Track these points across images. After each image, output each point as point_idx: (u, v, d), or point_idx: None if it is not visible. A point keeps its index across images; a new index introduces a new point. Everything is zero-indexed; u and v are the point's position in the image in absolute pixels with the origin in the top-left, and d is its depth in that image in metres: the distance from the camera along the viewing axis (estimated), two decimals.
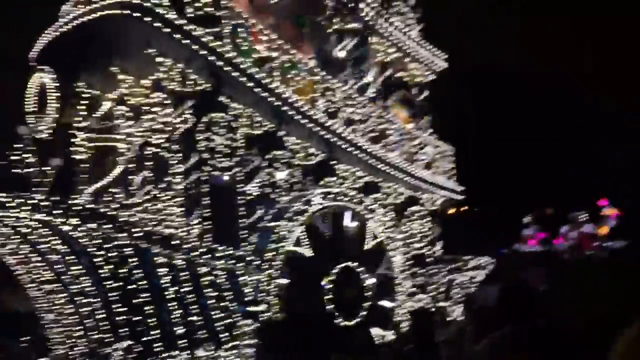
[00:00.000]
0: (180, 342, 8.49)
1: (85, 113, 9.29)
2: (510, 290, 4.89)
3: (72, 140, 9.09)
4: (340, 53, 12.03)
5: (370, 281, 10.80)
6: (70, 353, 9.04)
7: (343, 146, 11.23)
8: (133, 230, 7.91)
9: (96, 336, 8.52)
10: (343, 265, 10.37)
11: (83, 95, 9.36)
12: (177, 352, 8.43)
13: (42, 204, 7.47)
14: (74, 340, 8.94)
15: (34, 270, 8.75)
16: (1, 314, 13.46)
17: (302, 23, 11.34)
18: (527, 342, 4.46)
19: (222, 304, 8.93)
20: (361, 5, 11.98)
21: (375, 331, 10.79)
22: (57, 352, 9.29)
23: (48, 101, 9.00)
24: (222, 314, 8.89)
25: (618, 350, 2.21)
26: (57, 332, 9.25)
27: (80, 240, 7.86)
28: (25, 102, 9.10)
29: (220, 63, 9.22)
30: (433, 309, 12.11)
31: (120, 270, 8.04)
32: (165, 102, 9.39)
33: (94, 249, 7.87)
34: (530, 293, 4.85)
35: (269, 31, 10.23)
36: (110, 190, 8.98)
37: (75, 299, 8.56)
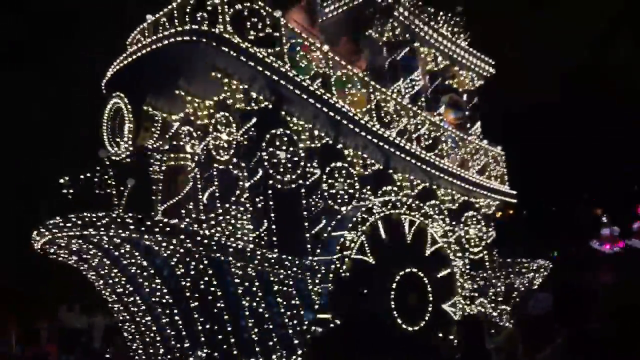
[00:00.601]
0: (256, 349, 8.86)
1: (157, 134, 9.87)
2: (567, 294, 4.95)
3: (147, 160, 9.66)
4: (391, 64, 12.37)
5: (432, 286, 10.97)
6: None
7: (399, 155, 11.50)
8: (209, 242, 8.33)
9: (176, 345, 8.98)
10: (406, 271, 10.58)
11: (154, 118, 9.96)
12: (252, 359, 8.80)
13: (124, 221, 7.98)
14: (154, 349, 9.44)
15: (116, 285, 9.30)
16: (61, 330, 14.19)
17: (358, 38, 11.72)
18: (590, 348, 4.50)
19: (292, 312, 9.27)
20: (400, 10, 12.29)
21: (438, 336, 10.97)
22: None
23: (123, 125, 9.58)
24: (293, 322, 9.23)
25: None
26: (137, 342, 9.77)
27: (160, 254, 8.36)
28: (103, 127, 9.71)
29: (280, 80, 9.64)
30: (484, 316, 12.18)
31: (198, 281, 8.48)
32: (230, 120, 9.87)
33: (174, 262, 8.34)
34: (589, 296, 4.91)
35: (325, 47, 10.62)
36: (183, 205, 9.48)
37: (156, 309, 9.05)
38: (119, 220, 7.93)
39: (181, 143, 10.34)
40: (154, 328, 9.27)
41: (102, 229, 7.97)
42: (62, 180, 8.72)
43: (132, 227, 7.84)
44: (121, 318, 9.97)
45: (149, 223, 7.85)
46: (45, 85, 18.80)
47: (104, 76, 10.45)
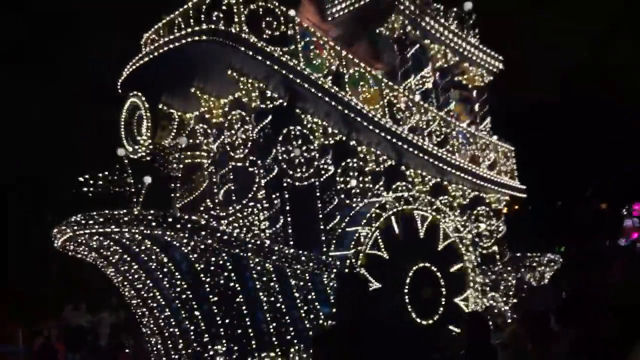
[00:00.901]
0: (273, 343, 9.01)
1: (174, 133, 10.02)
2: (571, 295, 5.02)
3: (164, 157, 9.82)
4: (402, 61, 12.49)
5: (445, 280, 11.10)
6: (170, 355, 9.70)
7: (411, 151, 11.63)
8: (229, 239, 8.47)
9: (196, 339, 9.13)
10: (419, 265, 10.71)
11: (170, 116, 10.11)
12: (270, 353, 8.94)
13: (146, 218, 8.12)
14: (173, 343, 9.59)
15: (136, 280, 9.45)
16: (67, 328, 14.39)
17: (375, 38, 11.88)
18: (595, 347, 4.57)
19: (308, 306, 9.40)
20: (407, 5, 12.39)
21: (451, 329, 11.10)
22: (157, 356, 9.96)
23: (141, 124, 9.72)
24: (309, 316, 9.37)
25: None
26: (157, 336, 9.93)
27: (180, 250, 8.51)
28: (121, 126, 9.85)
29: (295, 78, 9.76)
30: (489, 312, 12.25)
31: (218, 277, 8.62)
32: (246, 118, 10.00)
33: (194, 257, 8.49)
34: (589, 296, 4.99)
35: (338, 45, 10.73)
36: (201, 203, 9.63)
37: (175, 305, 9.20)
38: (140, 217, 8.07)
39: (197, 141, 10.47)
40: (173, 323, 9.42)
41: (124, 225, 8.11)
42: (81, 179, 8.86)
43: (153, 223, 7.98)
44: (140, 314, 10.13)
45: (170, 219, 7.99)
46: (45, 85, 18.89)
47: (120, 76, 10.60)
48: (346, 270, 9.62)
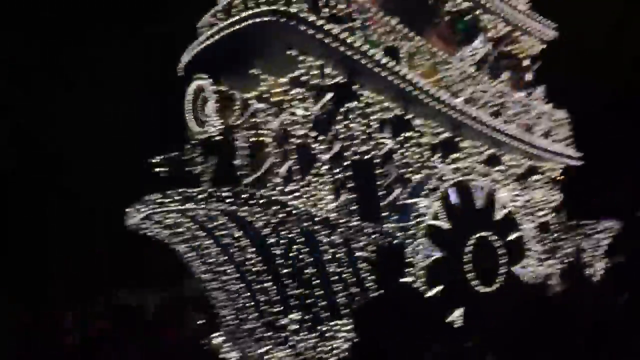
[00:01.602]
0: (342, 310, 9.39)
1: (237, 112, 10.38)
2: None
3: (231, 137, 10.23)
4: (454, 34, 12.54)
5: (504, 249, 11.27)
6: (242, 326, 10.19)
7: (466, 122, 11.72)
8: (297, 212, 8.83)
9: (269, 310, 9.59)
10: (478, 235, 10.90)
11: (233, 97, 10.46)
12: (340, 320, 9.33)
13: (222, 194, 8.54)
14: (246, 315, 10.07)
15: (208, 256, 9.91)
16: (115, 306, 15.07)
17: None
18: None
19: (374, 276, 9.72)
20: None
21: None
22: (229, 326, 10.48)
23: (206, 105, 10.09)
24: (376, 285, 9.69)
25: None
26: (228, 309, 10.42)
27: (253, 224, 8.91)
28: (187, 108, 10.25)
29: (353, 55, 9.95)
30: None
31: (289, 249, 9.02)
32: (306, 96, 10.26)
33: (267, 231, 8.90)
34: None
35: (393, 21, 10.83)
36: (269, 179, 10.01)
37: (248, 277, 9.65)
38: (216, 194, 8.49)
39: (259, 120, 10.80)
40: (245, 296, 9.88)
41: (201, 202, 8.55)
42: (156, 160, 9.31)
43: (229, 200, 8.39)
44: (210, 287, 10.61)
45: (245, 195, 8.38)
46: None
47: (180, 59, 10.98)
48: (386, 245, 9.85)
